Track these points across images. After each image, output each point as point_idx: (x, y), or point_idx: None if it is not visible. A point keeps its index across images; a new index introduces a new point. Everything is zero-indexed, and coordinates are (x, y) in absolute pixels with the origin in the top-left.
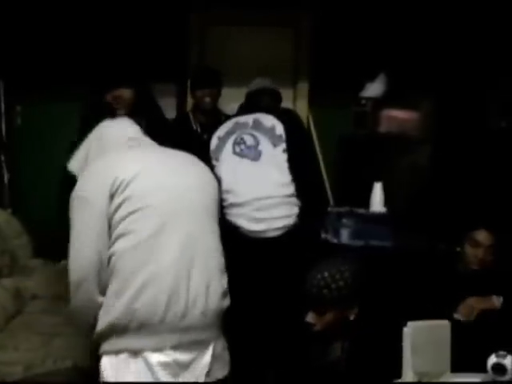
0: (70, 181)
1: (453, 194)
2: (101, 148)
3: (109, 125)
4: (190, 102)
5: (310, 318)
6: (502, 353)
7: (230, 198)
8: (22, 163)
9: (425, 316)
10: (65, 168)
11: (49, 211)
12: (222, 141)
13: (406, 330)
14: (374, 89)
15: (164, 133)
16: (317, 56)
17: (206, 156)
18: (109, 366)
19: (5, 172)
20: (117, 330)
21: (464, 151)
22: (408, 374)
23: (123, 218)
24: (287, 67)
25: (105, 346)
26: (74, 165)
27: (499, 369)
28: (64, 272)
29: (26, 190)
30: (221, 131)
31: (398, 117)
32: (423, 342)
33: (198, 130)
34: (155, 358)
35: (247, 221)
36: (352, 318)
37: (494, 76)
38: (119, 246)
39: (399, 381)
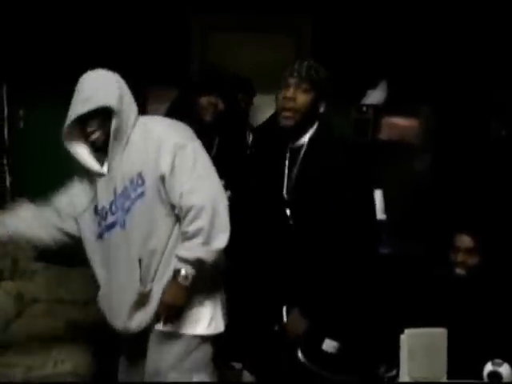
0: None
1: (453, 202)
2: (128, 94)
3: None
4: None
5: (292, 93)
6: (497, 361)
7: None
8: (25, 167)
9: (420, 322)
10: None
11: None
12: None
13: (402, 336)
14: (375, 96)
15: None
16: (318, 62)
17: None
18: None
19: (7, 175)
20: None
21: (464, 159)
22: (405, 379)
23: None
24: None
25: None
26: (111, 100)
27: (495, 376)
28: (64, 276)
29: (28, 193)
30: None
31: (398, 124)
32: (420, 348)
33: None
34: None
35: None
36: (322, 110)
37: (494, 84)
38: None
39: None
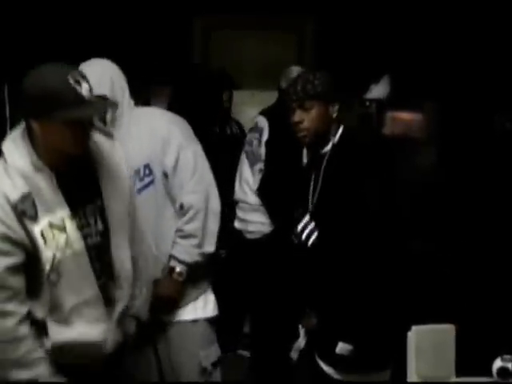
0: None
1: (458, 197)
2: (121, 87)
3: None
4: None
5: (297, 116)
6: (507, 356)
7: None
8: None
9: (428, 319)
10: None
11: None
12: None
13: (409, 334)
14: (378, 90)
15: None
16: (320, 59)
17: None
18: None
19: None
20: None
21: (469, 153)
22: (413, 377)
23: None
24: None
25: None
26: (101, 88)
27: (504, 372)
28: None
29: None
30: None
31: (402, 118)
32: (427, 345)
33: None
34: None
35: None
36: (334, 115)
37: (498, 77)
38: None
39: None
